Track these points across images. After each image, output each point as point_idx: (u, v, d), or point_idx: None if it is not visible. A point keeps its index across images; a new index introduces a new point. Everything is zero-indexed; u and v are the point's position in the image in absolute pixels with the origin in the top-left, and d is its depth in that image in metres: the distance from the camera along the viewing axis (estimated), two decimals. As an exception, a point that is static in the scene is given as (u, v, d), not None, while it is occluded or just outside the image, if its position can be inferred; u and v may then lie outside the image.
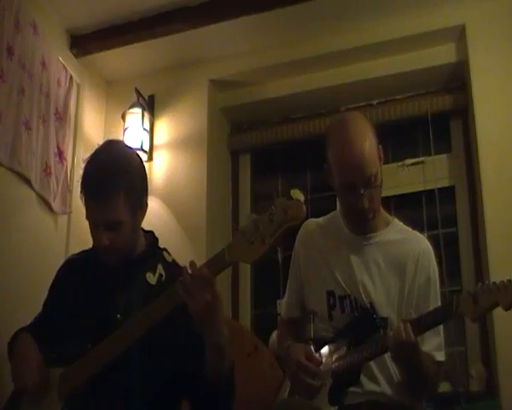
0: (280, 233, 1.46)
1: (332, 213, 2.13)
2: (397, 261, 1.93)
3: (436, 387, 2.00)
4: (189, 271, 1.54)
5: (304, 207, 1.47)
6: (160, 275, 1.80)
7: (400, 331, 1.68)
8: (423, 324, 1.72)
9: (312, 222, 2.12)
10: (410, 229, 2.03)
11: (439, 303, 1.89)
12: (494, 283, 1.62)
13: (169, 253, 1.90)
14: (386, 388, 1.85)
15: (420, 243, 1.98)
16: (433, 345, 1.86)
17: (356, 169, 1.84)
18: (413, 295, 1.89)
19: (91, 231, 1.78)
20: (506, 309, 1.59)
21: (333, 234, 2.04)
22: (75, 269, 1.91)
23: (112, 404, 1.68)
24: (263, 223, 1.47)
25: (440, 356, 1.88)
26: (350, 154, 1.86)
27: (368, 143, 1.87)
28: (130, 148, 1.98)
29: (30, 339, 1.81)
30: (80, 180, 1.79)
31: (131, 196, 1.76)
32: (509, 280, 1.59)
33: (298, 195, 1.50)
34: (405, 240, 1.98)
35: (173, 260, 1.88)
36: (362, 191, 1.84)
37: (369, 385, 1.84)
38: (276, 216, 1.46)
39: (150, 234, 1.92)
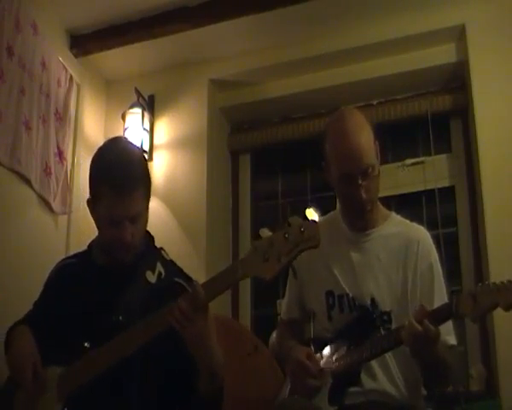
0: (296, 254, 1.46)
1: (331, 213, 2.14)
2: (397, 253, 1.94)
3: (453, 373, 1.95)
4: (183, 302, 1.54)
5: (319, 229, 1.47)
6: (160, 273, 1.80)
7: (414, 324, 1.66)
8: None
9: None
10: (407, 221, 2.04)
11: (444, 288, 1.91)
12: (494, 283, 1.62)
13: (166, 252, 1.91)
14: (386, 385, 1.85)
15: (418, 233, 1.99)
16: (444, 330, 1.85)
17: (353, 159, 1.86)
18: (416, 284, 1.89)
19: (109, 229, 1.74)
20: (506, 310, 1.59)
21: (332, 233, 2.04)
22: (71, 272, 1.89)
23: (112, 405, 1.68)
24: (278, 240, 1.47)
25: (452, 340, 1.88)
26: (347, 144, 1.88)
27: (365, 135, 1.90)
28: (130, 141, 2.02)
29: (28, 333, 1.79)
30: (94, 180, 1.77)
31: (147, 188, 1.78)
32: (509, 281, 1.59)
33: (312, 215, 1.50)
34: (404, 231, 1.99)
35: (171, 260, 1.88)
36: (360, 181, 1.86)
37: (369, 383, 1.84)
38: (291, 235, 1.46)
39: (146, 233, 1.91)
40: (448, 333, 1.87)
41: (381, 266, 1.93)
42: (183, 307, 1.52)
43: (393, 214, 2.06)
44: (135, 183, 1.72)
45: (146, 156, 3.51)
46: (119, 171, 1.72)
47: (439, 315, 1.71)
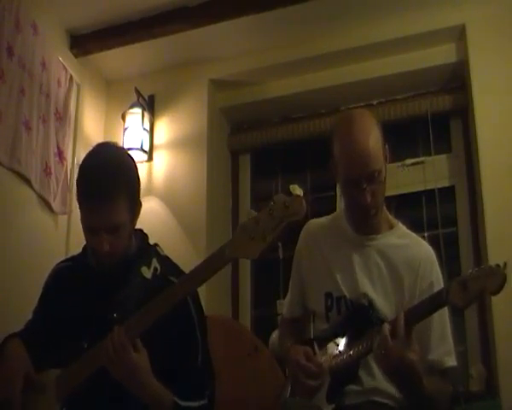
0: (281, 228, 1.45)
1: (335, 213, 2.13)
2: (397, 268, 1.92)
3: (447, 400, 1.90)
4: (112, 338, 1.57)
5: (304, 202, 1.46)
6: (155, 269, 1.80)
7: (385, 328, 1.66)
8: (414, 315, 1.70)
9: (315, 222, 2.12)
10: (413, 234, 2.02)
11: (445, 308, 1.87)
12: (482, 268, 1.62)
13: (161, 248, 1.90)
14: (385, 383, 1.83)
15: (422, 250, 1.97)
16: (442, 351, 1.85)
17: (360, 164, 1.84)
18: (414, 303, 1.84)
19: (89, 237, 1.75)
20: (492, 295, 1.60)
21: (335, 234, 2.03)
22: (66, 276, 1.89)
23: (111, 404, 1.68)
24: (263, 219, 1.47)
25: (451, 361, 1.85)
26: (354, 148, 1.85)
27: (373, 139, 1.86)
28: (121, 147, 1.97)
29: (19, 347, 1.77)
30: (76, 186, 1.75)
31: (130, 197, 1.74)
32: (497, 265, 1.59)
33: (297, 190, 1.49)
34: (407, 246, 1.96)
35: (166, 255, 1.88)
36: (365, 186, 1.84)
37: (369, 382, 1.83)
38: (275, 211, 1.46)
39: (139, 231, 1.90)
40: (447, 354, 1.86)
41: (380, 275, 1.92)
42: (110, 348, 1.56)
43: (400, 225, 2.03)
44: (111, 193, 1.67)
45: (146, 156, 3.52)
46: (94, 181, 1.69)
47: (431, 303, 1.71)
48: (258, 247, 1.46)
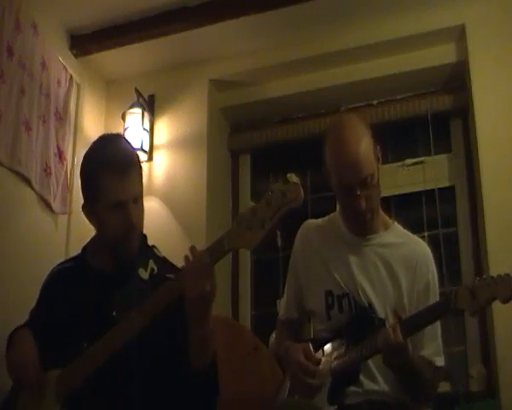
0: (279, 216, 1.45)
1: (331, 215, 2.13)
2: (394, 267, 1.93)
3: (434, 390, 1.98)
4: (190, 257, 1.54)
5: (301, 189, 1.47)
6: (152, 269, 1.81)
7: (389, 333, 1.68)
8: (422, 319, 1.73)
9: (311, 223, 2.12)
10: (409, 233, 2.03)
11: None
12: (492, 276, 1.63)
13: (158, 249, 1.91)
14: (384, 387, 1.85)
15: (418, 249, 1.98)
16: (432, 350, 1.87)
17: (351, 170, 1.85)
18: (412, 302, 1.88)
19: (113, 215, 1.74)
20: (504, 302, 1.60)
21: (332, 235, 2.04)
22: (65, 277, 1.90)
23: (111, 403, 1.68)
24: (261, 209, 1.47)
25: (440, 361, 1.89)
26: (345, 155, 1.86)
27: (363, 144, 1.87)
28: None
29: (29, 336, 1.80)
30: (93, 169, 1.78)
31: (141, 171, 1.84)
32: (507, 274, 1.60)
33: (294, 178, 1.50)
34: (404, 244, 1.97)
35: (164, 257, 1.89)
36: (358, 192, 1.84)
37: (369, 385, 1.84)
38: (273, 200, 1.46)
39: None
40: (436, 354, 1.88)
41: (378, 275, 1.93)
42: (189, 264, 1.52)
43: (395, 224, 2.04)
44: (132, 164, 1.78)
45: (146, 156, 3.52)
46: (116, 154, 1.78)
47: (438, 309, 1.72)
48: (257, 236, 1.46)
